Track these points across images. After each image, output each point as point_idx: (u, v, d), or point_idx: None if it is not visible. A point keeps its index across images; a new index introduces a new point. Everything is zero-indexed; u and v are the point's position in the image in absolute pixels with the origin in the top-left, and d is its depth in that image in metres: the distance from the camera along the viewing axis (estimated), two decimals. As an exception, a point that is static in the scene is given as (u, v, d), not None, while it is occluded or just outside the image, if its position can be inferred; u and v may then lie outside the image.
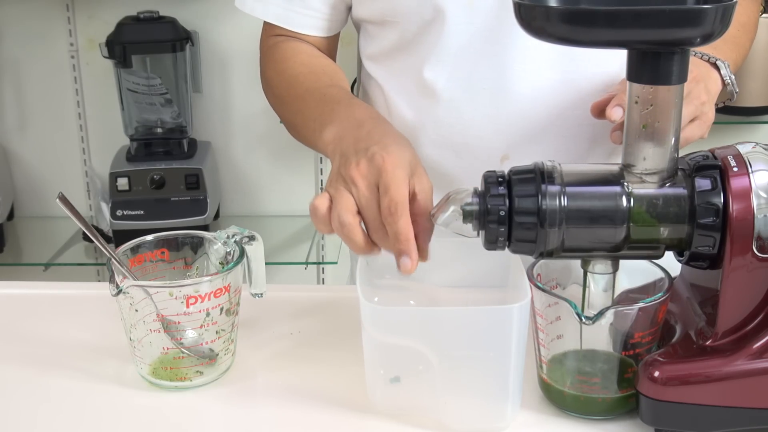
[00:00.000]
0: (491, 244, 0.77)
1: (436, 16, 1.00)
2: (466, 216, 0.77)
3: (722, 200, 0.74)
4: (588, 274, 0.79)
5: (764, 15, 1.99)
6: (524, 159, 0.97)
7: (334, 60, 1.11)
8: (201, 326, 0.84)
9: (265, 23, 1.12)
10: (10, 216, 2.28)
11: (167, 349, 0.85)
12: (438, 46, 1.01)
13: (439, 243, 0.90)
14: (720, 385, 0.75)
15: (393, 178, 0.77)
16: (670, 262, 0.81)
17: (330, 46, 1.12)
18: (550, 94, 1.01)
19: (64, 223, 2.21)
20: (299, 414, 0.82)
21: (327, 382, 0.86)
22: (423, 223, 0.79)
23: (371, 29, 1.08)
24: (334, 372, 0.88)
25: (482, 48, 1.01)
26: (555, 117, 1.02)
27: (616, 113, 0.88)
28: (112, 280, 0.81)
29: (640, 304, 0.77)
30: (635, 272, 0.82)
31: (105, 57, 2.06)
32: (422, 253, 0.79)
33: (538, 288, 0.78)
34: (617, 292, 0.81)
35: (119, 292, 0.81)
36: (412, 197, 0.79)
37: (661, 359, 0.76)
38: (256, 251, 0.89)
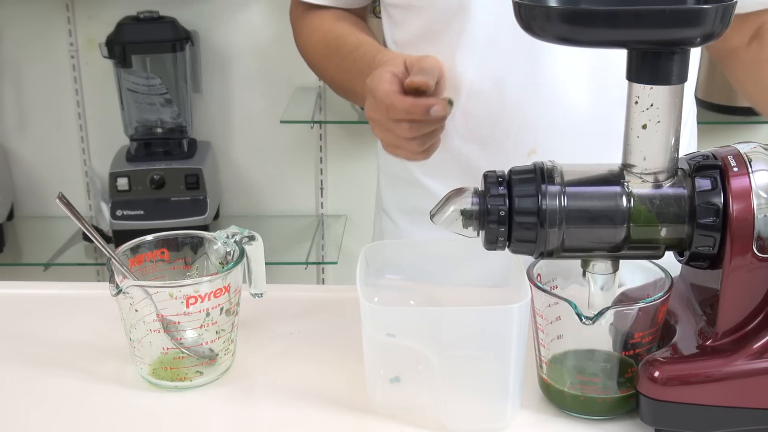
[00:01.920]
0: (491, 244, 0.77)
1: (460, 6, 1.01)
2: (466, 216, 0.77)
3: (722, 200, 0.74)
4: (588, 274, 0.79)
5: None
6: (552, 153, 0.98)
7: (366, 20, 1.18)
8: (201, 326, 0.84)
9: None
10: (10, 216, 2.28)
11: (167, 349, 0.85)
12: (464, 37, 1.02)
13: (439, 242, 0.90)
14: (720, 385, 0.75)
15: (377, 89, 0.89)
16: (670, 262, 0.81)
17: (359, 12, 1.16)
18: (579, 89, 1.01)
19: (64, 223, 2.21)
20: (299, 414, 0.82)
21: (327, 382, 0.86)
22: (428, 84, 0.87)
23: (397, 15, 1.09)
24: (334, 372, 0.88)
25: (511, 41, 1.00)
26: (583, 112, 1.02)
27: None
28: (112, 280, 0.81)
29: (640, 304, 0.77)
30: (635, 272, 0.82)
31: (105, 57, 2.06)
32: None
33: (538, 288, 0.78)
34: (617, 292, 0.81)
35: (119, 292, 0.81)
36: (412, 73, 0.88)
37: (661, 359, 0.76)
38: (256, 251, 0.89)
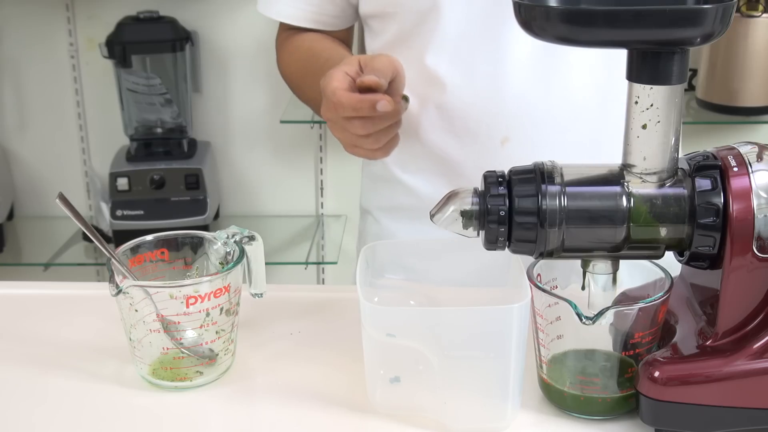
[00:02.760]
0: (491, 244, 0.77)
1: (432, 6, 1.03)
2: (466, 216, 0.77)
3: (722, 200, 0.74)
4: (588, 274, 0.79)
5: (765, 15, 1.99)
6: (524, 141, 1.02)
7: (350, 44, 1.20)
8: (201, 326, 0.84)
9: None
10: (10, 216, 2.28)
11: (167, 349, 0.85)
12: (436, 35, 1.04)
13: (438, 242, 0.90)
14: (720, 385, 0.75)
15: (326, 88, 0.90)
16: (670, 262, 0.81)
17: (341, 35, 1.18)
18: (548, 76, 1.03)
19: (64, 223, 2.21)
20: (299, 414, 0.82)
21: (327, 382, 0.86)
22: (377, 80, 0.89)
23: (374, 25, 1.11)
24: (334, 372, 0.88)
25: (480, 33, 1.03)
26: (555, 98, 1.03)
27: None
28: (112, 280, 0.81)
29: (640, 304, 0.77)
30: (635, 272, 0.82)
31: (105, 57, 2.06)
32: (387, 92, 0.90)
33: (538, 288, 0.78)
34: (617, 292, 0.81)
35: (119, 292, 0.81)
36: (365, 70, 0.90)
37: (661, 359, 0.76)
38: (256, 251, 0.89)
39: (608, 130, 1.05)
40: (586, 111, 1.04)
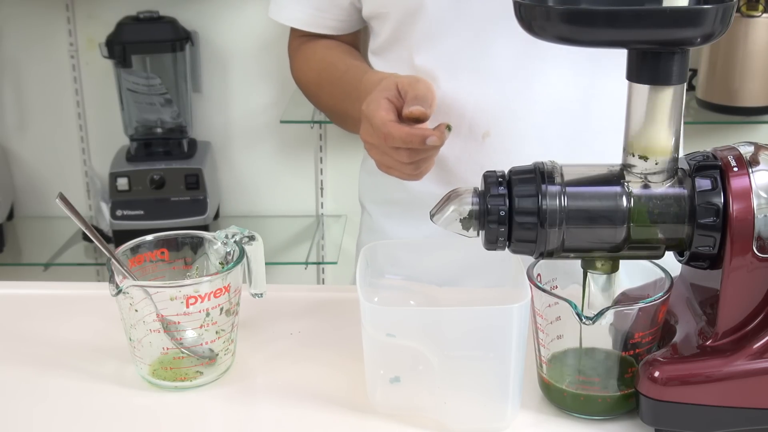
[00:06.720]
0: (491, 244, 0.77)
1: (419, 6, 1.04)
2: (466, 216, 0.77)
3: (722, 200, 0.74)
4: (588, 274, 0.79)
5: (765, 15, 1.99)
6: (506, 136, 1.04)
7: (359, 47, 1.21)
8: (201, 326, 0.84)
9: (291, 27, 1.21)
10: (10, 216, 2.28)
11: (167, 349, 0.85)
12: (424, 34, 1.06)
13: (438, 242, 0.90)
14: (720, 385, 0.75)
15: (374, 117, 0.90)
16: (670, 262, 0.81)
17: (350, 39, 1.20)
18: (531, 74, 1.04)
19: (64, 223, 2.21)
20: (299, 414, 0.82)
21: (327, 382, 0.86)
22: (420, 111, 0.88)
23: (374, 25, 1.13)
24: (334, 372, 0.88)
25: (464, 30, 1.04)
26: (537, 95, 1.04)
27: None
28: (112, 280, 0.81)
29: (640, 304, 0.77)
30: (635, 272, 0.82)
31: (105, 57, 2.06)
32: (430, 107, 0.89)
33: (538, 288, 0.78)
34: (617, 292, 0.81)
35: (119, 292, 0.81)
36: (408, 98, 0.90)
37: (661, 359, 0.76)
38: (256, 251, 0.89)
39: (591, 126, 1.06)
40: (567, 108, 1.05)
